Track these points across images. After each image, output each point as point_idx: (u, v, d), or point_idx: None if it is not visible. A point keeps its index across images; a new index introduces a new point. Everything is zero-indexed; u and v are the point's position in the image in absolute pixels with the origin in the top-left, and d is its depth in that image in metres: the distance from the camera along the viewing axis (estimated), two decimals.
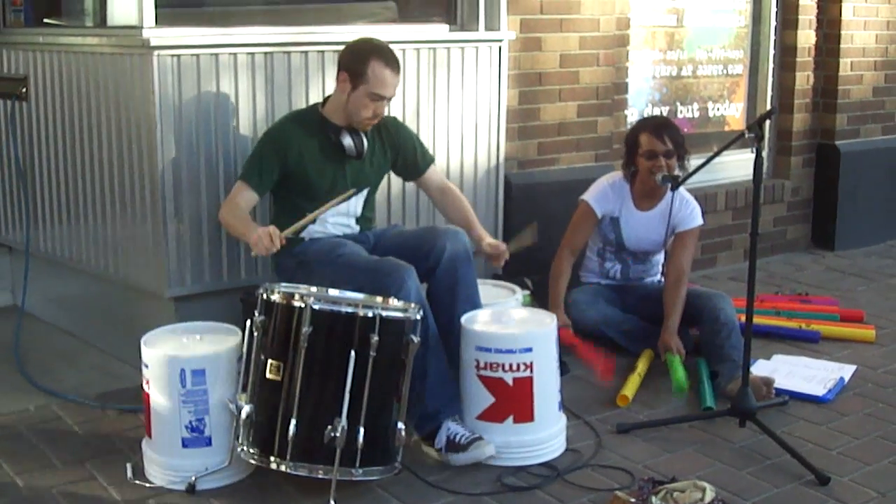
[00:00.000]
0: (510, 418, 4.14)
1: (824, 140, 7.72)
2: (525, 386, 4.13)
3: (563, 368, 4.47)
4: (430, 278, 4.42)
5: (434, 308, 4.32)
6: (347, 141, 4.54)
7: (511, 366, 4.12)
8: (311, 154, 4.53)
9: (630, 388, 4.81)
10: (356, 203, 4.67)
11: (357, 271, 4.32)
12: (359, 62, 4.47)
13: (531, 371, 4.13)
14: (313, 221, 4.42)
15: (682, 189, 5.34)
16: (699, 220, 5.46)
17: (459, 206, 4.87)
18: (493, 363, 4.13)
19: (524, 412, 4.14)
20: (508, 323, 4.33)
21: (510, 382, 4.12)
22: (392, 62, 4.49)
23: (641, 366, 5.07)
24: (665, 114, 6.98)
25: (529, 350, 4.13)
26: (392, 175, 4.97)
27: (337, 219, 4.63)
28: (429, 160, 4.91)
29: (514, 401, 4.14)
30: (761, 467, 4.13)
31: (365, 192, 4.71)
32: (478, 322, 4.30)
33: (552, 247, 5.50)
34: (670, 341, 5.10)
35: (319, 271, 4.41)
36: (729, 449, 4.30)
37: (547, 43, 6.06)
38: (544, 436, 4.18)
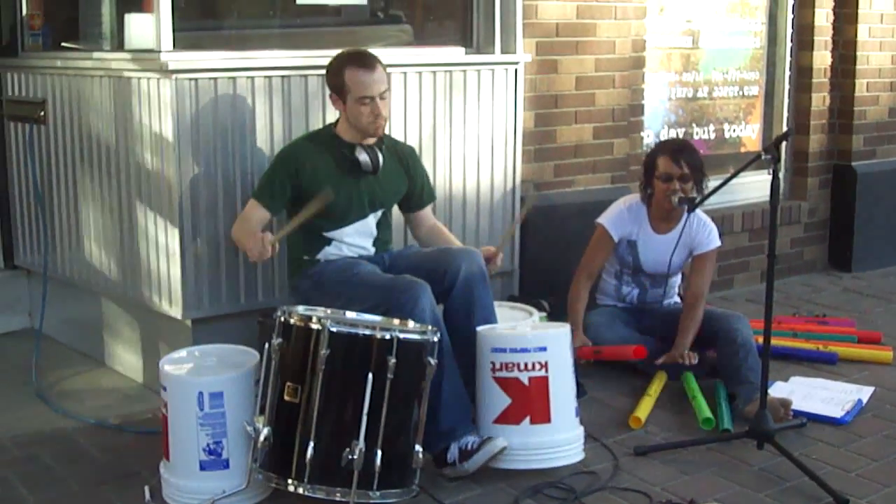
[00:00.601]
0: (527, 419, 4.14)
1: (841, 161, 7.71)
2: (541, 385, 4.14)
3: (580, 391, 4.47)
4: (447, 299, 4.42)
5: (450, 329, 4.32)
6: (363, 157, 4.55)
7: (526, 365, 4.14)
8: (326, 172, 4.54)
9: (643, 410, 4.80)
10: (372, 223, 4.68)
11: (372, 289, 4.33)
12: (336, 77, 4.53)
13: (546, 370, 4.14)
14: (302, 224, 4.38)
15: (699, 211, 5.33)
16: (717, 243, 5.45)
17: (445, 238, 4.90)
18: (508, 363, 4.15)
19: (541, 413, 4.15)
20: (523, 329, 4.39)
21: (526, 382, 4.14)
22: (364, 63, 4.51)
23: (654, 387, 5.06)
24: (681, 135, 6.99)
25: (544, 349, 4.16)
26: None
27: (354, 239, 4.64)
28: (431, 197, 4.97)
29: (530, 401, 4.15)
30: (779, 490, 4.12)
31: (380, 212, 4.72)
32: (493, 328, 4.36)
33: (569, 269, 5.50)
34: (676, 354, 5.11)
35: (335, 291, 4.41)
36: (747, 471, 4.28)
37: (563, 65, 6.08)
38: (561, 438, 4.18)
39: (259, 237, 4.25)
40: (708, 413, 4.68)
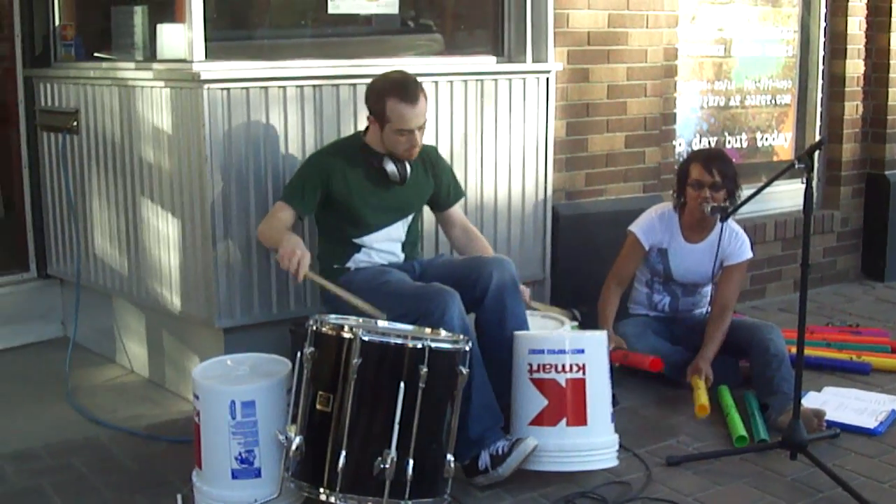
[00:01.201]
0: (563, 421, 4.16)
1: (874, 170, 7.67)
2: (578, 388, 4.16)
3: (614, 401, 4.45)
4: (478, 308, 4.43)
5: (482, 337, 4.33)
6: (391, 167, 4.55)
7: (564, 367, 4.16)
8: (355, 180, 4.55)
9: (703, 398, 4.77)
10: (401, 229, 4.69)
11: (402, 297, 4.32)
12: (378, 104, 4.49)
13: (584, 373, 4.16)
14: (339, 295, 4.33)
15: (731, 222, 5.31)
16: (748, 254, 5.43)
17: (480, 248, 4.87)
18: (545, 364, 4.17)
19: (578, 415, 4.16)
20: (559, 332, 4.43)
21: (563, 384, 4.16)
22: (408, 96, 4.44)
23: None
24: (713, 144, 6.97)
25: (582, 352, 4.18)
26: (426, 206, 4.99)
27: (382, 245, 4.65)
28: (459, 195, 4.95)
29: (567, 403, 4.17)
30: (813, 500, 4.09)
31: (409, 217, 4.72)
32: (530, 331, 4.38)
33: (600, 278, 5.49)
34: (702, 366, 5.08)
35: (364, 299, 4.41)
36: (780, 482, 4.26)
37: (594, 74, 6.07)
38: (597, 442, 4.19)
39: (297, 255, 4.18)
40: (742, 431, 4.64)
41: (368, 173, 4.57)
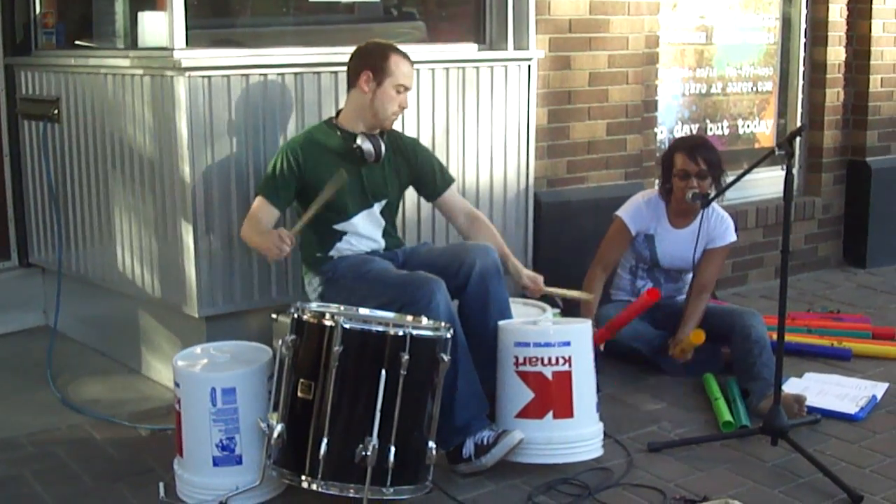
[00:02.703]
0: (550, 414, 4.16)
1: (855, 157, 7.69)
2: (564, 380, 4.16)
3: (596, 388, 4.45)
4: (461, 294, 4.42)
5: (465, 324, 4.33)
6: (367, 145, 4.56)
7: (550, 359, 4.16)
8: (330, 163, 4.54)
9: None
10: (377, 212, 4.68)
11: (386, 286, 4.33)
12: (380, 58, 4.56)
13: (570, 365, 4.16)
14: (318, 211, 4.37)
15: (716, 205, 5.33)
16: (732, 237, 5.45)
17: (490, 237, 4.82)
18: (531, 357, 4.17)
19: (564, 408, 4.16)
20: (544, 323, 4.40)
21: (549, 376, 4.15)
22: (408, 56, 4.63)
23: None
24: (695, 131, 6.98)
25: (568, 344, 4.18)
26: (421, 196, 4.99)
27: (364, 229, 4.64)
28: (448, 180, 4.91)
29: (553, 395, 4.17)
30: (793, 486, 4.11)
31: (384, 201, 4.71)
32: (515, 323, 4.38)
33: (582, 265, 5.49)
34: (676, 350, 5.12)
35: (349, 287, 4.42)
36: (761, 467, 4.28)
37: (576, 61, 6.07)
38: (586, 433, 4.20)
39: (274, 234, 4.26)
40: (728, 417, 4.66)
41: (340, 153, 4.57)
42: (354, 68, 4.61)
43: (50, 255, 5.87)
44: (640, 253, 5.49)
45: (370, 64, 4.56)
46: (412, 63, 4.64)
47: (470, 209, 4.96)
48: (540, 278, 4.76)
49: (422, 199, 5.09)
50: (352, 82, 4.62)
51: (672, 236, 5.44)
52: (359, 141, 4.55)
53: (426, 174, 4.84)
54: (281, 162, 4.54)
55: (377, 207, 4.68)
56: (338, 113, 4.71)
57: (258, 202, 4.56)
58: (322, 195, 4.31)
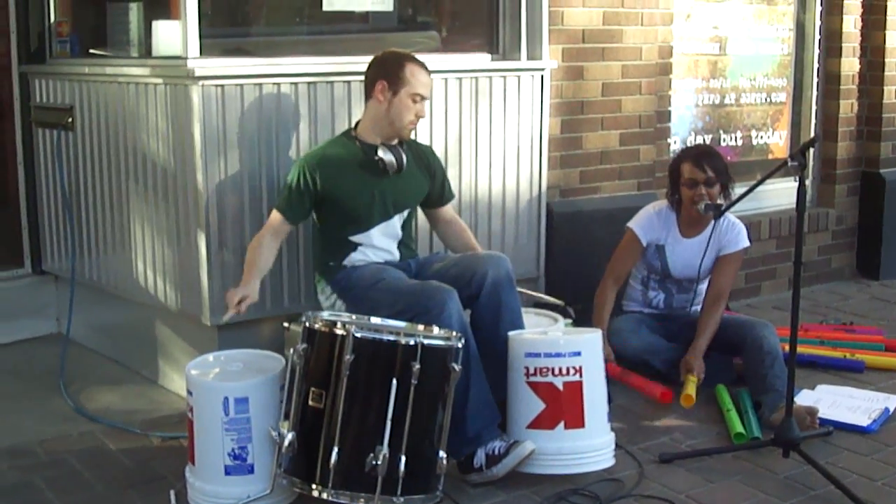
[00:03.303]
0: (561, 424, 4.14)
1: (869, 168, 7.68)
2: (575, 390, 4.15)
3: (608, 399, 4.45)
4: (474, 304, 4.43)
5: (478, 334, 4.33)
6: (388, 156, 4.56)
7: (561, 370, 4.14)
8: (350, 176, 4.55)
9: (691, 388, 4.78)
10: (397, 224, 4.69)
11: (399, 295, 4.33)
12: (396, 67, 4.57)
13: (581, 375, 4.15)
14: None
15: (727, 213, 5.33)
16: (745, 243, 5.44)
17: (464, 237, 4.93)
18: (542, 368, 4.15)
19: (575, 418, 4.15)
20: (555, 334, 4.40)
21: (560, 387, 4.14)
22: (424, 65, 4.62)
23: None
24: (708, 142, 6.97)
25: (578, 354, 4.16)
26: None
27: (379, 242, 4.64)
28: (450, 196, 4.98)
29: (564, 406, 4.15)
30: (805, 498, 4.10)
31: (405, 212, 4.72)
32: (525, 333, 4.37)
33: (595, 275, 5.49)
34: (693, 363, 5.09)
35: (361, 296, 4.43)
36: (772, 479, 4.26)
37: (589, 72, 6.07)
38: (597, 443, 4.19)
39: (233, 297, 4.32)
40: (740, 428, 4.65)
41: (362, 165, 4.58)
42: (371, 78, 4.62)
43: (63, 263, 5.89)
44: (652, 264, 5.49)
45: (386, 73, 4.57)
46: (429, 72, 4.63)
47: (452, 216, 5.02)
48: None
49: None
50: (368, 93, 4.63)
51: (682, 246, 5.43)
52: (380, 153, 4.55)
53: (436, 186, 4.86)
54: (297, 177, 4.55)
55: (398, 219, 4.69)
56: (356, 125, 4.71)
57: (273, 215, 4.58)
58: None
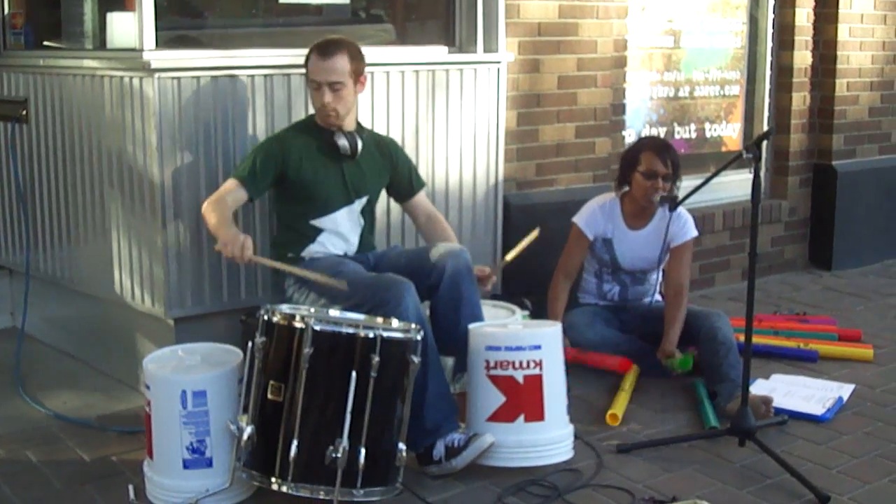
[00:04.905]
0: (521, 417, 4.16)
1: (821, 160, 7.75)
2: (535, 383, 4.17)
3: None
4: (433, 296, 4.45)
5: (437, 325, 4.35)
6: (342, 141, 4.58)
7: (521, 363, 4.16)
8: (310, 159, 4.57)
9: (619, 406, 4.82)
10: (357, 209, 4.70)
11: (356, 287, 4.31)
12: (307, 57, 4.60)
13: (541, 369, 4.17)
14: (293, 274, 4.43)
15: None
16: (693, 232, 5.48)
17: (446, 237, 4.89)
18: (503, 361, 4.17)
19: (535, 411, 4.17)
20: (515, 327, 4.42)
21: (521, 380, 4.16)
22: (321, 50, 4.56)
23: (628, 382, 5.09)
24: (662, 134, 7.01)
25: (539, 348, 4.18)
26: (391, 197, 5.02)
27: (341, 227, 4.66)
28: (420, 184, 4.98)
29: (524, 399, 4.17)
30: (761, 486, 4.14)
31: (364, 199, 4.72)
32: (485, 326, 4.38)
33: (551, 268, 5.52)
34: (671, 349, 5.13)
35: (319, 289, 4.42)
36: (729, 468, 4.30)
37: (545, 65, 6.09)
38: (556, 435, 4.21)
39: (241, 240, 4.18)
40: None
41: (321, 148, 4.60)
42: None
43: (18, 257, 5.85)
44: (601, 257, 5.52)
45: (305, 64, 4.62)
46: (332, 56, 4.52)
47: (431, 211, 5.02)
48: (487, 269, 4.75)
49: (391, 202, 5.10)
50: None
51: (630, 238, 5.46)
52: (335, 137, 4.57)
53: (402, 176, 4.88)
54: (264, 150, 4.56)
55: (358, 205, 4.69)
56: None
57: (229, 182, 4.55)
58: (312, 273, 4.29)
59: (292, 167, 4.55)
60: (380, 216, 5.08)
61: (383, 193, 4.94)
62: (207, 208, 4.46)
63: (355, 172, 4.67)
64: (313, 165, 4.57)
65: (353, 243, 4.70)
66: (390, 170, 4.84)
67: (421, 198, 4.99)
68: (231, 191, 4.52)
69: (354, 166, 4.66)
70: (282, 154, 4.55)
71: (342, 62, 4.53)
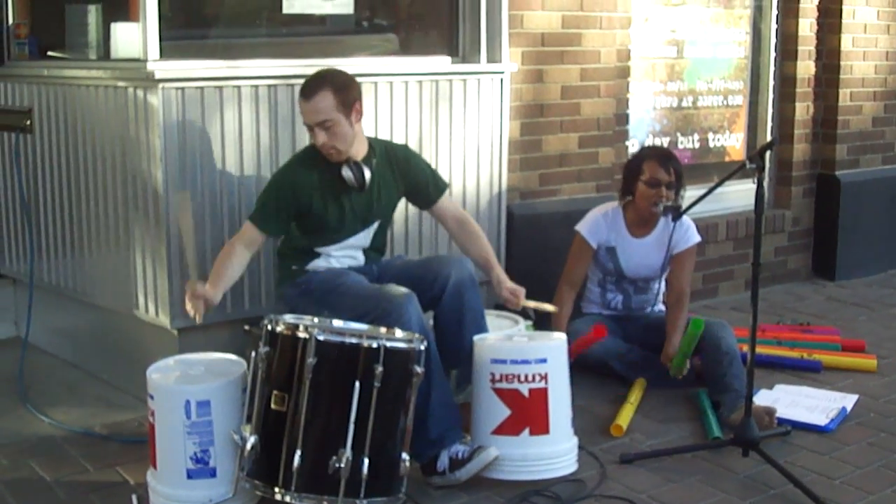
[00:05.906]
0: (526, 430, 4.15)
1: (824, 170, 7.75)
2: (541, 397, 4.15)
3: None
4: (437, 306, 4.44)
5: (441, 335, 4.35)
6: (347, 173, 4.48)
7: (527, 377, 4.14)
8: (319, 192, 4.50)
9: (624, 418, 4.82)
10: (364, 238, 4.67)
11: (359, 298, 4.32)
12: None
13: (546, 382, 4.15)
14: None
15: None
16: (696, 238, 5.48)
17: (479, 245, 4.81)
18: (508, 374, 4.15)
19: (540, 424, 4.16)
20: (520, 340, 4.39)
21: (526, 394, 4.14)
22: (303, 92, 4.44)
23: (634, 395, 5.08)
24: (666, 145, 7.01)
25: (544, 361, 4.17)
26: (414, 205, 4.99)
27: (345, 252, 4.63)
28: (442, 188, 4.85)
29: (530, 412, 4.16)
30: (764, 497, 4.14)
31: (375, 224, 4.69)
32: (491, 339, 4.36)
33: (554, 277, 5.52)
34: (674, 353, 5.12)
35: (322, 300, 4.42)
36: (732, 479, 4.30)
37: (548, 75, 6.10)
38: (561, 449, 4.20)
39: (195, 300, 4.27)
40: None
41: (328, 182, 4.51)
42: None
43: (21, 266, 5.85)
44: (605, 266, 5.52)
45: None
46: (313, 97, 4.39)
47: (460, 214, 4.91)
48: (521, 291, 4.68)
49: (399, 209, 5.08)
50: None
51: (633, 246, 5.47)
52: (342, 170, 4.49)
53: (420, 183, 4.78)
54: (276, 192, 4.51)
55: (365, 234, 4.65)
56: None
57: (247, 227, 4.51)
58: (183, 229, 4.29)
59: (304, 202, 4.49)
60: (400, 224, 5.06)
61: (401, 204, 4.90)
62: (221, 255, 4.48)
63: (365, 203, 4.59)
64: (323, 202, 4.50)
65: (358, 259, 4.69)
66: (404, 184, 4.73)
67: (445, 203, 4.86)
68: (245, 235, 4.50)
69: (364, 196, 4.57)
70: (294, 191, 4.47)
71: (325, 100, 4.39)
